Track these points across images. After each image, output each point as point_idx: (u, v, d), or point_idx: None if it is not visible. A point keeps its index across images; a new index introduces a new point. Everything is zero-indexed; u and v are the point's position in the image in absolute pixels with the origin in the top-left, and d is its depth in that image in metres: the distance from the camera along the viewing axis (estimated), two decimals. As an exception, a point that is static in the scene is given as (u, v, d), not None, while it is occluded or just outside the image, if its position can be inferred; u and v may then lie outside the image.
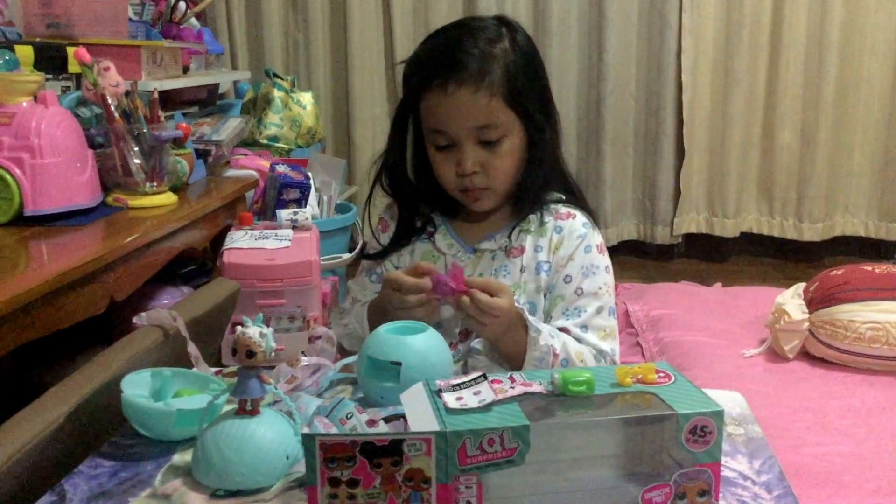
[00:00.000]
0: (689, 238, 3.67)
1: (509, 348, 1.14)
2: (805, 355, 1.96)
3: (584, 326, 1.18)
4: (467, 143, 1.14)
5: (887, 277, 1.93)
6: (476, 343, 1.17)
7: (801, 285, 2.05)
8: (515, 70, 1.14)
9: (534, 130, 1.17)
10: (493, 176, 1.15)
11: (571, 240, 1.21)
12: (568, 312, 1.18)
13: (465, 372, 1.19)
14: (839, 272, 1.99)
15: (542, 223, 1.22)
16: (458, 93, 1.11)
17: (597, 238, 1.24)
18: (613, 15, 3.42)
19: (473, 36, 1.14)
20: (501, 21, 1.19)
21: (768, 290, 2.47)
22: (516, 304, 1.13)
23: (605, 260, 1.23)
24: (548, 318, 1.20)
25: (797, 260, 3.57)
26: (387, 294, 1.13)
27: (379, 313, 1.17)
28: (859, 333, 1.85)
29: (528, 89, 1.16)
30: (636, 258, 3.59)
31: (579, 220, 1.23)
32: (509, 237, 1.21)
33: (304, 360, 1.00)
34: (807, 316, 1.92)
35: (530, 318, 1.13)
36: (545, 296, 1.20)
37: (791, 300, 1.98)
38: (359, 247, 2.68)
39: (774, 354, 1.98)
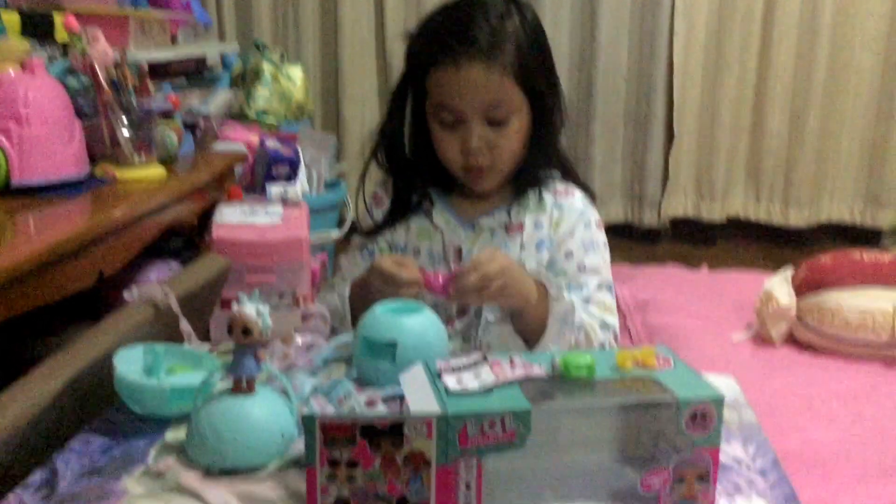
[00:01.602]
0: (676, 222, 3.68)
1: (533, 313, 1.10)
2: (792, 341, 1.97)
3: (587, 301, 1.17)
4: (474, 120, 1.12)
5: (875, 265, 1.94)
6: (489, 314, 1.16)
7: (790, 270, 2.06)
8: (526, 48, 1.13)
9: (540, 110, 1.16)
10: (498, 155, 1.14)
11: (571, 216, 1.21)
12: (570, 287, 1.18)
13: (464, 351, 1.18)
14: (827, 258, 2.00)
15: (540, 200, 1.21)
16: (470, 69, 1.10)
17: (595, 215, 1.24)
18: (606, -5, 3.40)
19: (484, 11, 1.13)
20: None
21: (755, 275, 2.48)
22: (529, 270, 1.10)
23: (603, 236, 1.23)
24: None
25: (783, 245, 3.59)
26: (377, 285, 1.10)
27: (363, 294, 1.15)
28: (846, 320, 1.86)
29: (538, 69, 1.15)
30: (623, 240, 3.59)
31: (577, 196, 1.23)
32: (508, 214, 1.20)
33: (298, 339, 0.99)
34: (794, 301, 1.93)
35: (548, 274, 1.11)
36: (544, 271, 1.20)
37: (779, 285, 1.99)
38: (347, 224, 2.67)
39: (761, 339, 1.99)
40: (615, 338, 1.19)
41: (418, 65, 1.16)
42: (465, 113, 1.12)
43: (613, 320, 1.19)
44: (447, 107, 1.13)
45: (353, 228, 1.37)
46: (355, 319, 1.15)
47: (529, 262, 1.20)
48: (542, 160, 1.20)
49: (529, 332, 1.13)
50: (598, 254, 1.21)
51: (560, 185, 1.24)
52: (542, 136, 1.18)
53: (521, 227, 1.20)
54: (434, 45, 1.13)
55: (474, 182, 1.18)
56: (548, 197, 1.22)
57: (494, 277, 1.03)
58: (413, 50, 1.18)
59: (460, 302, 1.08)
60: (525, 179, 1.20)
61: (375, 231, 1.26)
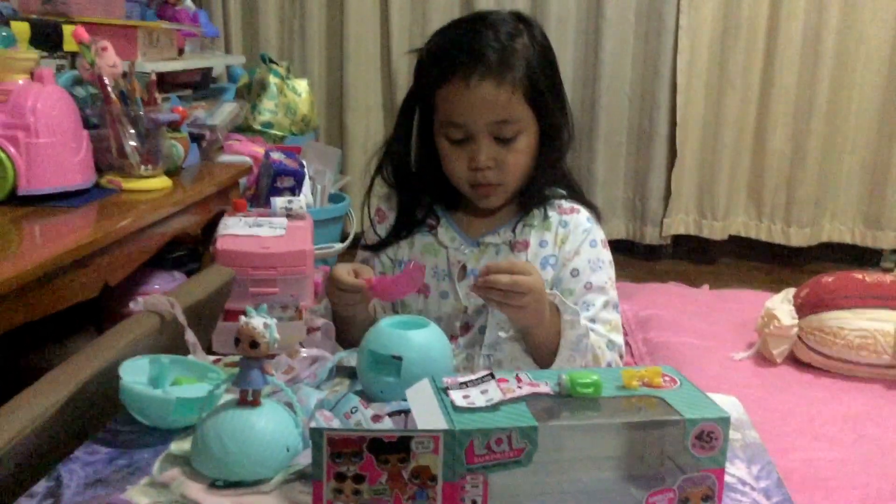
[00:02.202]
0: (678, 239, 3.68)
1: (542, 334, 1.10)
2: (793, 360, 1.98)
3: (593, 320, 1.17)
4: (482, 137, 1.13)
5: (877, 286, 1.95)
6: (500, 332, 1.16)
7: (792, 290, 2.07)
8: (536, 66, 1.14)
9: (548, 128, 1.16)
10: (506, 172, 1.14)
11: (577, 234, 1.21)
12: (577, 307, 1.18)
13: (468, 367, 1.18)
14: (830, 279, 2.00)
15: (545, 217, 1.21)
16: (481, 86, 1.10)
17: (600, 233, 1.24)
18: (611, 14, 3.42)
19: (494, 29, 1.13)
20: (518, 16, 1.18)
21: (756, 294, 2.49)
22: (547, 291, 1.10)
23: (608, 255, 1.23)
24: None
25: (784, 264, 3.59)
26: (328, 289, 1.13)
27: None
28: (848, 340, 1.87)
29: (547, 86, 1.15)
30: (624, 257, 3.59)
31: (583, 214, 1.23)
32: (513, 231, 1.20)
33: (304, 352, 0.99)
34: (796, 321, 1.94)
35: (564, 300, 1.11)
36: (552, 290, 1.20)
37: (781, 305, 1.99)
38: (350, 237, 2.67)
39: (762, 358, 2.00)
40: (620, 356, 1.19)
41: (427, 81, 1.16)
42: (474, 130, 1.12)
43: (619, 339, 1.19)
44: (456, 123, 1.13)
45: (357, 241, 1.37)
46: (339, 332, 1.16)
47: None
48: (549, 178, 1.20)
49: (536, 351, 1.13)
50: (605, 272, 1.21)
51: (566, 203, 1.24)
52: (549, 153, 1.18)
53: (526, 244, 1.20)
54: (444, 62, 1.13)
55: (481, 199, 1.18)
56: (553, 214, 1.22)
57: (523, 291, 1.03)
58: (422, 66, 1.18)
59: (481, 295, 1.06)
60: (531, 197, 1.21)
61: (379, 246, 1.26)
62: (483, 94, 1.10)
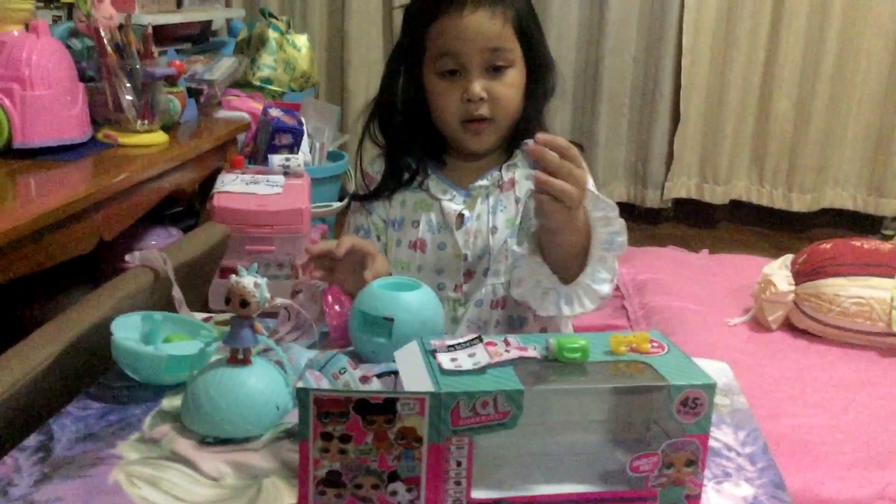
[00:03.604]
0: (678, 203, 3.68)
1: (573, 238, 1.04)
2: (788, 326, 1.98)
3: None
4: (476, 68, 1.14)
5: (875, 253, 1.94)
6: (514, 246, 1.13)
7: (789, 257, 2.06)
8: (524, 10, 1.17)
9: (537, 68, 1.18)
10: (497, 106, 1.15)
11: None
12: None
13: (475, 315, 1.18)
14: (828, 246, 2.00)
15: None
16: (475, 14, 1.13)
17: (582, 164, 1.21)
18: (618, -28, 3.37)
19: None
20: None
21: (754, 259, 2.48)
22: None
23: (590, 178, 1.20)
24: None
25: (784, 230, 3.59)
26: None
27: None
28: (843, 308, 1.87)
29: (534, 30, 1.18)
30: (625, 220, 3.57)
31: None
32: (500, 172, 1.21)
33: (278, 301, 0.96)
34: (793, 288, 1.94)
35: (597, 193, 1.05)
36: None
37: (778, 271, 1.99)
38: (349, 196, 2.66)
39: (758, 324, 2.00)
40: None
41: (419, 20, 1.18)
42: (466, 60, 1.14)
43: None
44: (450, 53, 1.14)
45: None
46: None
47: (531, 207, 1.18)
48: (536, 121, 1.21)
49: (562, 259, 1.07)
50: (590, 183, 1.18)
51: None
52: (536, 95, 1.19)
53: (512, 182, 1.21)
54: None
55: (472, 137, 1.18)
56: None
57: (580, 164, 0.97)
58: (413, 8, 1.20)
59: (537, 160, 0.96)
60: (518, 138, 1.20)
61: (369, 197, 1.25)
62: (477, 22, 1.12)
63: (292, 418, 0.79)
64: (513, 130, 1.20)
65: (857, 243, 1.99)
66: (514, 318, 1.20)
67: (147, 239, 1.87)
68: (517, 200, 1.21)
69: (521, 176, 1.21)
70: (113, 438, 0.78)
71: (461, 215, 1.20)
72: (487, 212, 1.20)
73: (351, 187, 2.68)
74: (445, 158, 1.24)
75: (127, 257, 1.03)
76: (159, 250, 1.06)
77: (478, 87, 1.14)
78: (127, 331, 0.89)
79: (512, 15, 1.15)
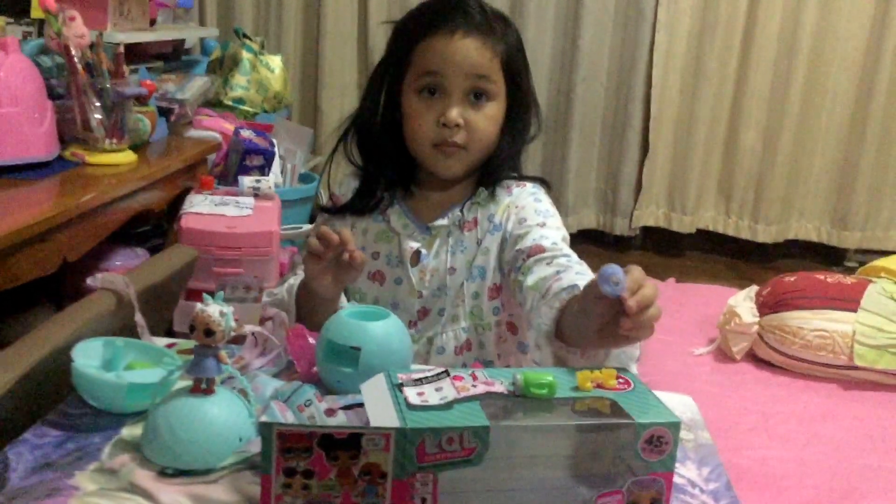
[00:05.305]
0: (647, 231, 3.71)
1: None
2: (752, 357, 2.00)
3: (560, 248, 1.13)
4: (456, 92, 1.14)
5: (838, 287, 1.98)
6: (492, 320, 1.14)
7: (754, 288, 2.09)
8: (513, 48, 1.18)
9: (518, 108, 1.18)
10: (473, 136, 1.15)
11: (522, 197, 1.21)
12: (536, 238, 1.14)
13: (428, 351, 1.18)
14: (792, 279, 2.03)
15: (493, 195, 1.21)
16: (466, 40, 1.13)
17: (546, 197, 1.23)
18: (590, 2, 3.41)
19: (479, 2, 1.18)
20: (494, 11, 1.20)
21: (720, 290, 2.52)
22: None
23: (557, 214, 1.20)
24: (516, 252, 1.16)
25: (750, 260, 3.64)
26: (305, 258, 1.10)
27: (306, 293, 1.15)
28: (807, 340, 1.90)
29: (522, 69, 1.19)
30: (594, 247, 3.62)
31: (529, 186, 1.23)
32: (461, 211, 1.20)
33: (248, 328, 0.95)
34: (757, 319, 1.96)
35: None
36: (505, 241, 1.18)
37: (743, 303, 2.02)
38: (319, 208, 2.65)
39: (722, 354, 2.02)
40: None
41: (407, 38, 1.18)
42: (450, 82, 1.14)
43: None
44: (433, 72, 1.14)
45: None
46: (300, 316, 1.15)
47: (492, 249, 1.19)
48: (509, 159, 1.21)
49: (578, 353, 1.02)
50: (555, 219, 1.18)
51: (514, 183, 1.24)
52: (513, 134, 1.19)
53: (475, 222, 1.21)
54: (429, 17, 1.16)
55: (441, 161, 1.17)
56: (500, 191, 1.22)
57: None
58: (402, 26, 1.20)
59: (638, 317, 0.90)
60: (488, 175, 1.21)
61: (340, 210, 1.24)
62: (466, 47, 1.13)
63: (254, 447, 0.78)
64: (483, 165, 1.20)
65: (821, 276, 2.03)
66: (482, 362, 1.20)
67: (113, 259, 1.85)
68: (478, 242, 1.20)
69: (483, 216, 1.21)
70: (70, 468, 0.76)
71: (418, 252, 1.20)
72: (447, 252, 1.19)
73: (321, 209, 2.67)
74: (413, 188, 1.23)
75: (89, 280, 1.01)
76: (123, 272, 1.04)
77: (455, 112, 1.13)
78: (88, 357, 0.87)
79: (502, 49, 1.15)
